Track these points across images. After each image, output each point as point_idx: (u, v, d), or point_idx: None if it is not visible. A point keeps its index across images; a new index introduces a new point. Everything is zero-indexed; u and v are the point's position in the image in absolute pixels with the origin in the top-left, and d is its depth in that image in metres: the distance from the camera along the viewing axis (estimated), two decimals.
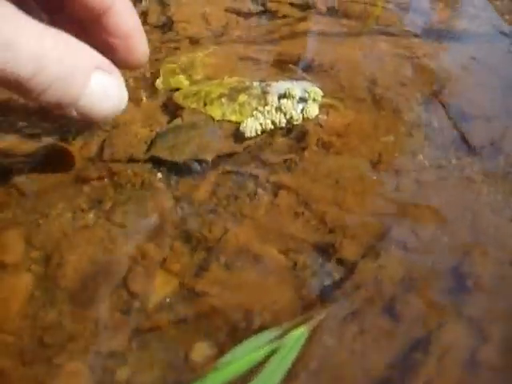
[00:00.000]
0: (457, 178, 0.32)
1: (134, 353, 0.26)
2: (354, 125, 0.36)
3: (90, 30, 0.31)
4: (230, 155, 0.35)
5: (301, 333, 0.24)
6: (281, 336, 0.25)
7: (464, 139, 0.35)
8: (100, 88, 0.29)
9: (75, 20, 0.31)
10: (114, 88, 0.30)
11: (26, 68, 0.26)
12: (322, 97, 0.37)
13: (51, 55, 0.26)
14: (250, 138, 0.35)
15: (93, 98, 0.28)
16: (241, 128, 0.35)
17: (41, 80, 0.26)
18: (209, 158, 0.34)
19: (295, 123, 0.36)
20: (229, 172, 0.34)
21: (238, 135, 0.35)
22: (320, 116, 0.36)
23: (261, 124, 0.35)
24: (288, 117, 0.35)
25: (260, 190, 0.32)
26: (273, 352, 0.24)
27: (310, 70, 0.41)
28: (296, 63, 0.42)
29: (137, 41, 0.32)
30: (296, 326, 0.25)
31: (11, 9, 0.26)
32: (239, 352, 0.24)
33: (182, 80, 0.40)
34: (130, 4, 0.31)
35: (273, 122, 0.35)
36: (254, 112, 0.36)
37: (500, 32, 0.45)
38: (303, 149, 0.34)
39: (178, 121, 0.37)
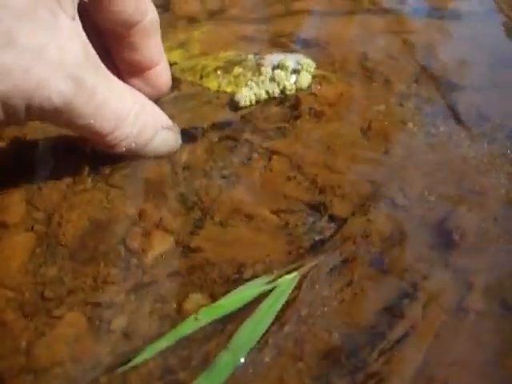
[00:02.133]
0: (444, 143, 0.33)
1: (130, 305, 0.27)
2: (346, 95, 0.37)
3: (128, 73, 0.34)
4: (226, 123, 0.36)
5: (292, 278, 0.25)
6: (272, 281, 0.26)
7: (452, 108, 0.36)
8: (162, 141, 0.33)
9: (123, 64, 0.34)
10: (172, 140, 0.34)
11: (109, 125, 0.29)
12: (315, 69, 0.38)
13: (129, 115, 0.30)
14: (245, 107, 0.36)
15: (154, 148, 0.33)
16: (235, 97, 0.36)
17: (117, 135, 0.30)
18: (205, 125, 0.35)
19: (288, 93, 0.37)
20: (224, 138, 0.35)
21: (233, 105, 0.36)
22: (313, 86, 0.37)
23: (255, 94, 0.36)
24: (281, 87, 0.36)
25: (254, 155, 0.34)
26: (265, 295, 0.25)
27: (304, 45, 0.42)
28: (290, 39, 0.43)
29: (161, 90, 0.36)
30: (287, 273, 0.26)
31: (105, 70, 0.29)
32: (232, 296, 0.25)
33: (179, 55, 0.41)
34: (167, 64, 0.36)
35: (267, 92, 0.36)
36: (249, 82, 0.37)
37: (491, 10, 0.46)
38: (296, 117, 0.36)
39: (175, 93, 0.38)
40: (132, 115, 0.30)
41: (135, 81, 0.34)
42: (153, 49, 0.33)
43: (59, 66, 0.26)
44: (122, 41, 0.32)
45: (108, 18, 0.30)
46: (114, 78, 0.30)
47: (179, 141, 0.34)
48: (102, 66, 0.29)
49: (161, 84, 0.35)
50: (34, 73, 0.25)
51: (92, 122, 0.28)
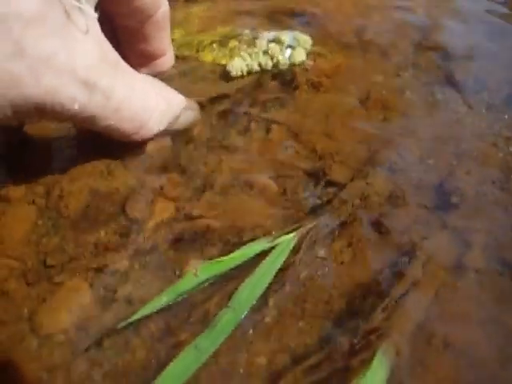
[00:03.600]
0: (442, 110, 0.34)
1: (132, 270, 0.27)
2: (343, 67, 0.37)
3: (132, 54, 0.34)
4: (223, 97, 0.36)
5: (291, 238, 0.25)
6: (271, 241, 0.26)
7: (449, 77, 0.36)
8: (183, 121, 0.33)
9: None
10: (193, 117, 0.34)
11: (132, 126, 0.29)
12: (311, 45, 0.38)
13: (153, 115, 0.30)
14: (237, 78, 0.36)
15: (175, 128, 0.33)
16: (227, 67, 0.36)
17: (142, 134, 0.30)
18: (202, 99, 0.35)
19: (282, 67, 0.37)
20: (222, 110, 0.35)
21: (225, 76, 0.37)
22: (306, 62, 0.37)
23: (247, 65, 0.36)
24: (275, 61, 0.36)
25: (253, 126, 0.34)
26: (264, 255, 0.25)
27: (301, 20, 0.42)
28: (288, 15, 0.43)
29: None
30: (286, 234, 0.26)
31: (127, 70, 0.29)
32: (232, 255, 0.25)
33: (178, 33, 0.41)
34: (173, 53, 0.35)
35: (259, 64, 0.36)
36: (242, 53, 0.37)
37: None
38: (294, 89, 0.36)
39: (171, 70, 0.38)
40: (156, 115, 0.30)
41: (143, 70, 0.34)
42: (163, 39, 0.33)
43: (70, 71, 0.25)
44: (135, 33, 0.32)
45: (127, 13, 0.30)
46: (137, 76, 0.30)
47: (198, 116, 0.35)
48: (124, 64, 0.29)
49: (166, 71, 0.35)
50: (43, 80, 0.25)
51: (112, 123, 0.28)
